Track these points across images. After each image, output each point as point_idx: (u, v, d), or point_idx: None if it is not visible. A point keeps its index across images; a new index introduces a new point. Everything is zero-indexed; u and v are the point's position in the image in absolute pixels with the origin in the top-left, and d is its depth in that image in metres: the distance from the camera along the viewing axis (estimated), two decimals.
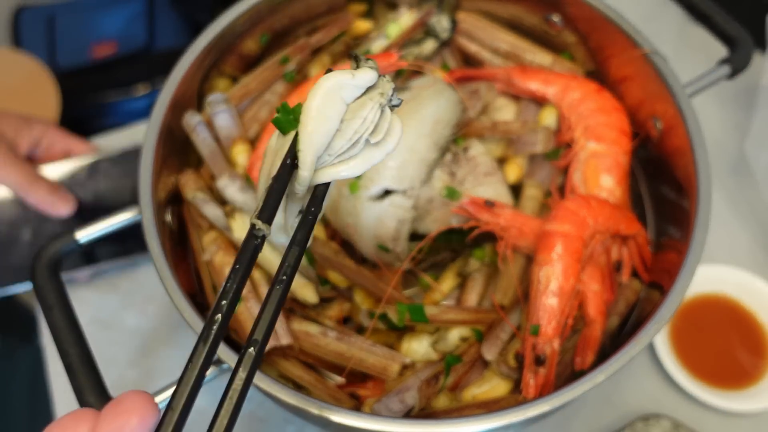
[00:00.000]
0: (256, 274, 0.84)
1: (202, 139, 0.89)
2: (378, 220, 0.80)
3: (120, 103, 2.07)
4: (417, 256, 0.83)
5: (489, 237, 0.85)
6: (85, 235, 0.80)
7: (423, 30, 0.97)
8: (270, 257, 0.83)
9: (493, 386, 0.80)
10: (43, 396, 1.04)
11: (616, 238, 0.86)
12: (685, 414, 0.97)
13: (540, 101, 0.96)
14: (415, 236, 0.83)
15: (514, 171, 0.90)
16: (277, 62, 0.94)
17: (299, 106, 0.51)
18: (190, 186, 0.88)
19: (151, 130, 0.85)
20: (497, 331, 0.81)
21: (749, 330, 1.01)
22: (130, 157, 1.11)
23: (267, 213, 0.49)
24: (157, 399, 0.71)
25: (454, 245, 0.86)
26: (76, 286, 1.12)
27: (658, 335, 1.00)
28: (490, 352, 0.80)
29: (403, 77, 0.94)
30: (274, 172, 0.51)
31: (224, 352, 0.72)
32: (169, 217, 0.88)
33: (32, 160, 1.08)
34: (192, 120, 0.89)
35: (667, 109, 0.87)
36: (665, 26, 1.33)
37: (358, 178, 0.81)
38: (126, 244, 1.10)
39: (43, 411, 1.04)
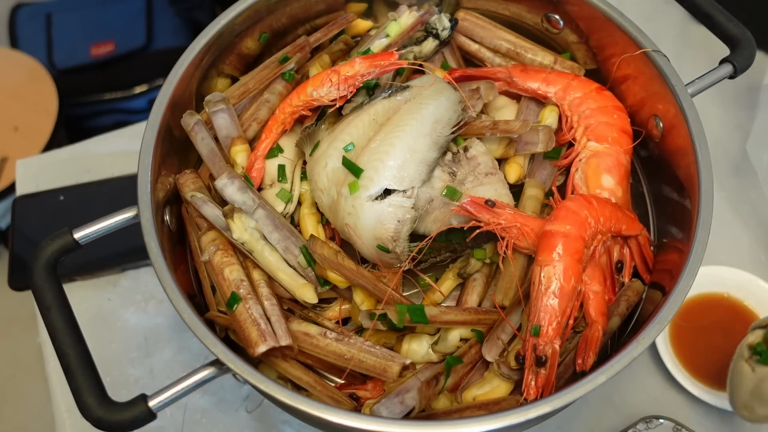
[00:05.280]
0: (255, 274, 0.83)
1: (200, 139, 0.88)
2: (378, 220, 0.80)
3: (118, 103, 2.06)
4: (417, 257, 0.82)
5: (489, 237, 0.85)
6: (83, 234, 0.80)
7: (423, 29, 0.97)
8: (269, 257, 0.83)
9: (494, 387, 0.80)
10: None
11: (618, 239, 0.86)
12: (687, 415, 0.96)
13: (541, 100, 0.95)
14: (415, 236, 0.82)
15: (514, 170, 0.90)
16: (276, 61, 0.94)
17: None
18: (189, 186, 0.87)
19: (150, 130, 0.85)
20: (498, 332, 0.81)
21: None
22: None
23: None
24: (158, 399, 0.70)
25: (454, 245, 0.86)
26: (76, 285, 1.12)
27: (660, 336, 1.00)
28: (490, 353, 0.80)
29: (403, 76, 0.94)
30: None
31: (223, 352, 0.71)
32: (168, 217, 0.87)
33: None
34: (191, 120, 0.89)
35: (668, 108, 0.87)
36: (666, 25, 1.33)
37: (358, 178, 0.80)
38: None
39: None
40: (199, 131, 0.88)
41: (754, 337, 0.87)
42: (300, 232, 0.88)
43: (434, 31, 0.97)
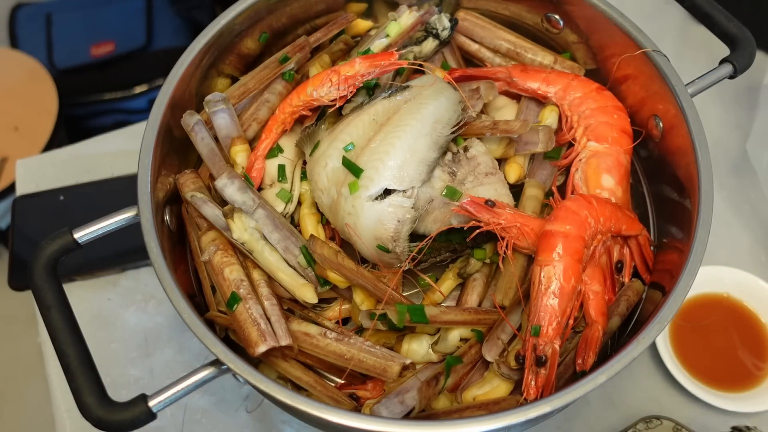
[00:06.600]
0: (255, 274, 0.83)
1: (200, 139, 0.88)
2: (378, 220, 0.80)
3: (118, 103, 2.07)
4: (417, 257, 0.82)
5: (489, 237, 0.85)
6: (83, 234, 0.79)
7: (423, 29, 0.97)
8: (269, 257, 0.83)
9: (494, 387, 0.80)
10: None
11: (618, 239, 0.86)
12: (686, 415, 0.96)
13: (541, 100, 0.95)
14: (415, 236, 0.82)
15: (514, 170, 0.90)
16: (276, 61, 0.94)
17: None
18: (189, 186, 0.87)
19: (150, 130, 0.85)
20: (498, 332, 0.80)
21: (751, 331, 1.01)
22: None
23: None
24: (158, 399, 0.70)
25: (454, 245, 0.86)
26: (76, 285, 1.12)
27: (660, 336, 1.00)
28: (490, 353, 0.80)
29: (403, 76, 0.94)
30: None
31: (223, 352, 0.71)
32: (168, 217, 0.87)
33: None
34: (191, 120, 0.89)
35: (668, 108, 0.87)
36: (666, 25, 1.33)
37: (358, 178, 0.80)
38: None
39: None
40: (199, 131, 0.88)
41: None
42: (300, 232, 0.88)
43: (434, 31, 0.97)
